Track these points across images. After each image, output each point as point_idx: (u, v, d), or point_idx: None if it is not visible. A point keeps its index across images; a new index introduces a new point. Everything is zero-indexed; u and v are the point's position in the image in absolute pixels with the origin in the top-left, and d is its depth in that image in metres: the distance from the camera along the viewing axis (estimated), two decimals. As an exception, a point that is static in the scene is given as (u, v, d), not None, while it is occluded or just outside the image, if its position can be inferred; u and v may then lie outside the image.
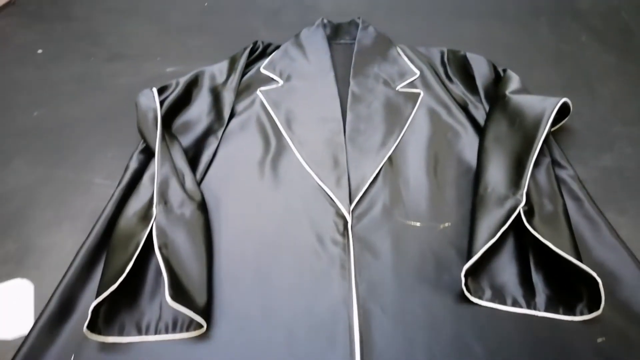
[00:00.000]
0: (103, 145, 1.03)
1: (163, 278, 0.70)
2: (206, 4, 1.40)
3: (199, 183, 0.89)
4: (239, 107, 1.04)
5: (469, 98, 1.05)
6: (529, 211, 0.78)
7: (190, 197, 0.83)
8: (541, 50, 1.25)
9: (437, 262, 0.80)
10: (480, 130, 0.97)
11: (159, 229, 0.77)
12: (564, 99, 0.89)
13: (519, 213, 0.77)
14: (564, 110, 0.93)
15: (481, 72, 1.07)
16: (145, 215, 0.80)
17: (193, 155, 0.94)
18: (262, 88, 1.07)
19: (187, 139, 0.96)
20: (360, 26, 1.19)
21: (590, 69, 1.18)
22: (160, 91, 0.99)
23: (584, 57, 1.21)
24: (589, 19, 1.32)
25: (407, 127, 0.98)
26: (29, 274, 0.83)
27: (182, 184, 0.84)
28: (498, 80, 1.05)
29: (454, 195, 0.88)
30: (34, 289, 0.81)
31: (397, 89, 1.06)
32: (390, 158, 0.93)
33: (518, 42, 1.27)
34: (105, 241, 0.80)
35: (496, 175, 0.84)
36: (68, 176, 0.97)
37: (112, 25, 1.34)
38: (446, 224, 0.84)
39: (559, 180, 0.86)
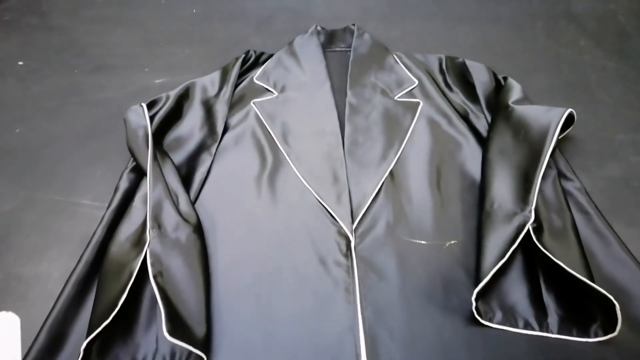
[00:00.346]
0: (90, 164, 0.98)
1: (159, 309, 0.66)
2: (194, 11, 1.35)
3: (193, 203, 0.85)
4: (233, 120, 1.00)
5: (470, 107, 1.02)
6: (538, 228, 0.75)
7: (185, 220, 0.79)
8: (539, 56, 1.23)
9: (444, 283, 0.77)
10: (483, 141, 0.94)
11: (153, 255, 0.73)
12: (569, 110, 0.86)
13: (528, 230, 0.74)
14: (568, 120, 0.90)
15: (481, 80, 1.04)
16: (138, 241, 0.76)
17: (186, 173, 0.90)
18: (256, 100, 1.03)
19: (179, 156, 0.92)
20: (356, 33, 1.15)
21: (590, 74, 1.16)
22: (150, 106, 0.94)
23: (582, 62, 1.19)
24: (586, 22, 1.30)
25: (407, 138, 0.95)
26: (14, 306, 0.78)
27: (176, 206, 0.80)
28: (499, 89, 1.02)
29: (458, 210, 0.86)
30: (20, 323, 0.76)
31: (395, 98, 1.03)
32: (391, 172, 0.90)
33: (515, 48, 1.25)
34: (96, 268, 0.76)
35: (502, 190, 0.81)
36: (53, 198, 0.92)
37: (96, 35, 1.29)
38: (452, 242, 0.81)
39: (565, 194, 0.84)
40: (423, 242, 0.81)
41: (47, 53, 1.23)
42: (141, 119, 0.89)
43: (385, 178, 0.88)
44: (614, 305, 0.66)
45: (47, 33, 1.29)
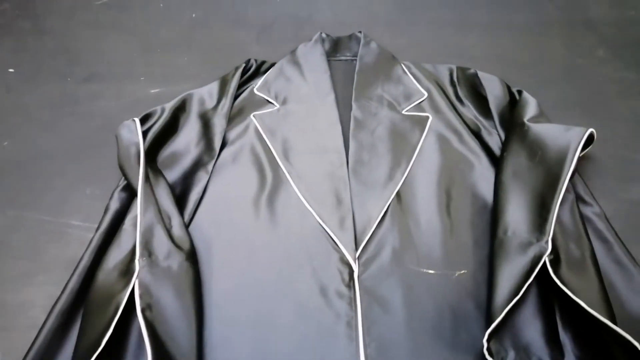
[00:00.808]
0: (81, 181, 0.93)
1: (146, 348, 0.62)
2: (194, 16, 1.30)
3: (187, 226, 0.80)
4: (231, 134, 0.95)
5: (482, 123, 0.96)
6: (555, 259, 0.70)
7: (178, 247, 0.74)
8: (554, 66, 1.16)
9: (453, 317, 0.72)
10: (495, 161, 0.89)
11: (142, 287, 0.68)
12: (589, 130, 0.81)
13: (545, 262, 0.69)
14: (587, 140, 0.85)
15: (494, 93, 0.98)
16: (126, 270, 0.71)
17: (180, 193, 0.85)
18: (256, 112, 0.98)
19: (174, 173, 0.87)
20: (362, 41, 1.09)
21: (609, 87, 1.10)
22: (144, 119, 0.89)
23: (601, 74, 1.13)
24: (605, 31, 1.23)
25: (416, 156, 0.90)
26: (-4, 336, 0.74)
27: (169, 230, 0.76)
28: (513, 103, 0.97)
29: (469, 237, 0.81)
30: (1, 356, 0.72)
31: (403, 112, 0.97)
32: (398, 194, 0.85)
33: (528, 57, 1.19)
34: (82, 298, 0.71)
35: (517, 216, 0.76)
36: (42, 218, 0.88)
37: (91, 40, 1.23)
38: (462, 272, 0.76)
39: (584, 220, 0.78)
40: (431, 271, 0.76)
41: (39, 59, 1.18)
42: (133, 135, 0.84)
43: (392, 200, 0.83)
44: (636, 349, 0.61)
45: (40, 38, 1.24)
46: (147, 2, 1.32)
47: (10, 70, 1.15)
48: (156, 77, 1.13)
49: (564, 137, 0.81)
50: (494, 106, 0.97)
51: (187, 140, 0.92)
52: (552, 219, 0.73)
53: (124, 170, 0.82)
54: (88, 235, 0.79)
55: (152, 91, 1.10)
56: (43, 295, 0.77)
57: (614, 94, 1.09)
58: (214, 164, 0.90)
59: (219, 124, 0.95)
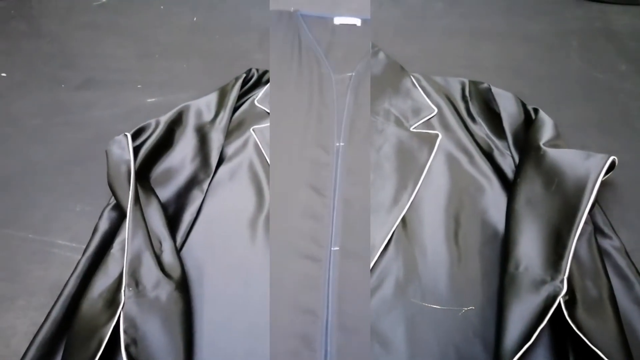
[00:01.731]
0: (70, 196, 0.89)
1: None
2: (195, 19, 1.25)
3: (179, 250, 0.76)
4: (229, 149, 0.91)
5: (495, 143, 0.91)
6: (570, 300, 0.65)
7: (168, 275, 0.69)
8: (572, 81, 1.11)
9: (459, 358, 0.67)
10: (508, 185, 0.84)
11: (127, 320, 0.64)
12: (611, 158, 0.75)
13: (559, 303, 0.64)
14: (609, 168, 0.80)
15: (509, 111, 0.93)
16: (112, 299, 0.67)
17: (174, 212, 0.81)
18: (257, 126, 0.93)
19: (167, 191, 0.82)
20: (370, 51, 1.04)
21: (631, 104, 1.04)
22: (137, 133, 0.85)
23: (622, 90, 1.07)
24: (628, 43, 1.17)
25: (423, 178, 0.85)
26: (-28, 370, 0.70)
27: (158, 257, 0.71)
28: (528, 123, 0.91)
29: (478, 269, 0.75)
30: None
31: (411, 129, 0.92)
32: (403, 219, 0.80)
33: (545, 70, 1.13)
34: (66, 327, 0.67)
35: (530, 250, 0.71)
36: (27, 236, 0.83)
37: (87, 44, 1.19)
38: (469, 308, 0.71)
39: (602, 255, 0.73)
40: (436, 306, 0.71)
41: (33, 63, 1.14)
42: (124, 152, 0.79)
43: (397, 226, 0.78)
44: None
45: (35, 41, 1.20)
46: (147, 4, 1.27)
47: (3, 74, 1.11)
48: (153, 85, 1.09)
49: (583, 165, 0.76)
50: (507, 125, 0.92)
51: (182, 155, 0.88)
52: (569, 256, 0.67)
53: (114, 189, 0.78)
54: (75, 256, 0.75)
55: (149, 100, 1.05)
56: (25, 322, 0.73)
57: (636, 111, 1.03)
58: (210, 182, 0.85)
59: (216, 138, 0.91)
